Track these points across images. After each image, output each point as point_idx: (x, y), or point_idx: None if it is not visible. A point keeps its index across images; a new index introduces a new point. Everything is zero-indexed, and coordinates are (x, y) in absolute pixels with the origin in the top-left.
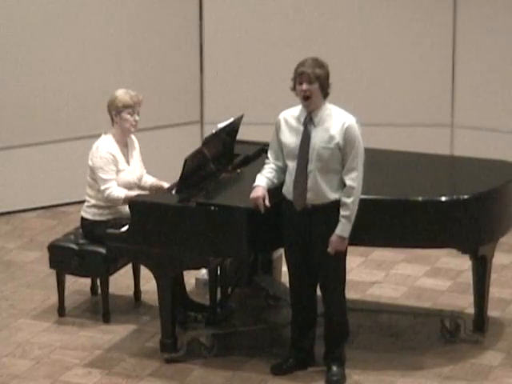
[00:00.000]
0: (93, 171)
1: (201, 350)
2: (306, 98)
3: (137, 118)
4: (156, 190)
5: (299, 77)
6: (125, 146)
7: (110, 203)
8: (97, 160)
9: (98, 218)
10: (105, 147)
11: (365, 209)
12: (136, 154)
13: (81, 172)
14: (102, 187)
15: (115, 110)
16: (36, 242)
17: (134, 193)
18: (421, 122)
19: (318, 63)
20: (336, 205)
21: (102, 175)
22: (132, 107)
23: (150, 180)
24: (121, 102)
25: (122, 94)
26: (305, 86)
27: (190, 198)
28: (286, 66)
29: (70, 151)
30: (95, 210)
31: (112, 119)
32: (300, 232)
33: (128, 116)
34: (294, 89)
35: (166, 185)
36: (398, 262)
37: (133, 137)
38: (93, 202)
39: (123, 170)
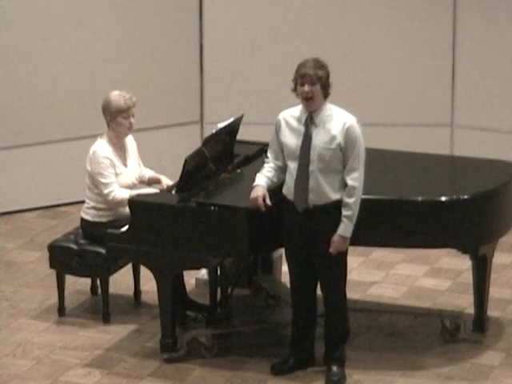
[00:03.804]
0: (92, 177)
1: (201, 350)
2: (307, 100)
3: (132, 120)
4: (154, 183)
5: (300, 78)
6: (121, 148)
7: (115, 206)
8: (95, 166)
9: (97, 220)
10: (101, 152)
11: (365, 209)
12: (133, 154)
13: (81, 172)
14: (105, 191)
15: (110, 115)
16: (36, 242)
17: (136, 192)
18: (421, 121)
19: (319, 64)
20: (337, 205)
21: (102, 180)
22: (127, 111)
23: (147, 173)
24: (115, 108)
25: (116, 99)
26: (306, 88)
27: (190, 198)
28: (286, 66)
29: (70, 151)
30: (95, 212)
31: (107, 123)
32: (301, 232)
33: (123, 120)
34: (294, 90)
35: (163, 178)
36: (398, 261)
37: (130, 136)
38: (92, 204)
39: (121, 173)
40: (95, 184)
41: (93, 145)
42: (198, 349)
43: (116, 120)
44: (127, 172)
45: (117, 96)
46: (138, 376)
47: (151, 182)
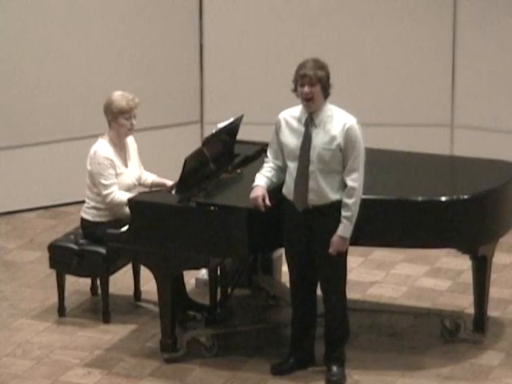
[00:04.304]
0: (92, 176)
1: (201, 350)
2: (307, 100)
3: (133, 121)
4: (158, 187)
5: (301, 79)
6: (122, 148)
7: (114, 207)
8: (95, 166)
9: (97, 219)
10: (102, 152)
11: (365, 209)
12: (134, 155)
13: (81, 172)
14: (104, 193)
15: (111, 115)
16: (36, 242)
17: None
18: (421, 122)
19: (319, 64)
20: (337, 205)
21: (102, 181)
22: (128, 112)
23: (150, 178)
24: (117, 108)
25: (119, 99)
26: (306, 89)
27: (190, 198)
28: (286, 66)
29: (70, 151)
30: (95, 212)
31: (108, 122)
32: (301, 232)
33: (124, 121)
34: (295, 90)
35: (167, 182)
36: (398, 261)
37: (131, 136)
38: (92, 203)
39: (121, 173)
40: (95, 184)
41: (94, 144)
42: (198, 349)
43: (117, 120)
44: (128, 172)
45: (119, 96)
46: (137, 376)
47: (154, 186)
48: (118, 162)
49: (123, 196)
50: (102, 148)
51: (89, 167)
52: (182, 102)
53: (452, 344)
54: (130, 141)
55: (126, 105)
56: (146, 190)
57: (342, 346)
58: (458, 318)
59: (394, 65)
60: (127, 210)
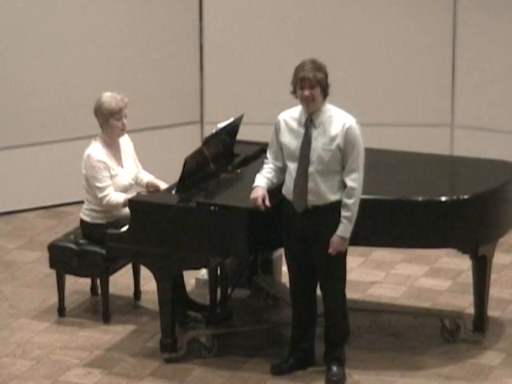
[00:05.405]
0: (87, 180)
1: (200, 350)
2: (307, 102)
3: (124, 121)
4: (152, 188)
5: (300, 82)
6: (116, 149)
7: (110, 209)
8: (89, 170)
9: (96, 221)
10: (95, 155)
11: (365, 209)
12: (129, 154)
13: (80, 172)
14: (100, 195)
15: (102, 118)
16: (36, 242)
17: (132, 195)
18: (421, 122)
19: (317, 66)
20: (337, 206)
21: (97, 184)
22: (118, 113)
23: (146, 178)
24: (107, 110)
25: (108, 101)
26: (307, 92)
27: (190, 198)
28: (286, 66)
29: (70, 151)
30: (93, 214)
31: (100, 125)
32: (300, 232)
33: (116, 122)
34: (294, 92)
35: (162, 184)
36: (398, 262)
37: (126, 135)
38: (90, 205)
39: (116, 174)
40: (90, 187)
41: (87, 147)
42: (198, 349)
43: (108, 122)
44: (123, 173)
45: (108, 98)
46: (137, 376)
47: (149, 187)
48: (112, 163)
49: (119, 197)
50: (95, 151)
51: (84, 171)
52: (182, 101)
53: (452, 344)
54: (125, 140)
55: (115, 106)
56: (143, 189)
57: (341, 346)
58: (458, 318)
59: (393, 65)
60: (125, 210)
